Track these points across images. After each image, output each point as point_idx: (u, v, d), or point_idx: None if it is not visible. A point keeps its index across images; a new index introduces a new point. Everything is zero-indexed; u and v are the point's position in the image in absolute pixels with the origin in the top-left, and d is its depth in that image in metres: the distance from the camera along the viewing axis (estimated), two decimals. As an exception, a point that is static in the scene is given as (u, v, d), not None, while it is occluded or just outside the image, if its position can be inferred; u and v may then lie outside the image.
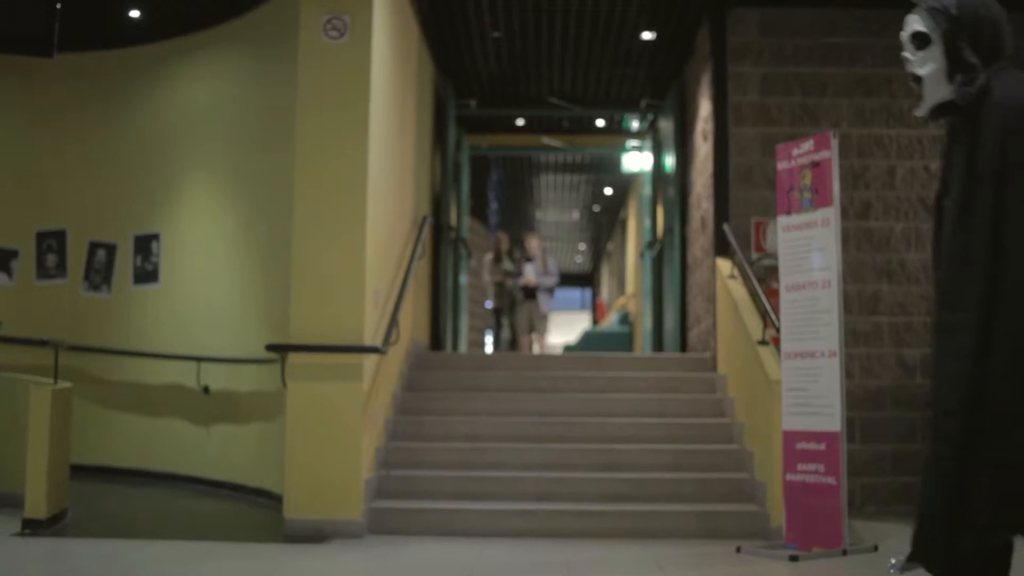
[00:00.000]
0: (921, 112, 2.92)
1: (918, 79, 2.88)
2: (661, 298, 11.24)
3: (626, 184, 16.80)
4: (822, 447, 5.77)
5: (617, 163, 14.37)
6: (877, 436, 7.84)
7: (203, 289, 8.93)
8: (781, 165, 6.25)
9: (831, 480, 5.70)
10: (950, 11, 2.82)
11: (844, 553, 5.64)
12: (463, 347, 11.74)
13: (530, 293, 13.23)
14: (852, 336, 7.80)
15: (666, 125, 11.09)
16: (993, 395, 2.64)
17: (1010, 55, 2.87)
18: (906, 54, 2.90)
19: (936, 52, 2.84)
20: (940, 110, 2.92)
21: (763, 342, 6.93)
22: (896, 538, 6.45)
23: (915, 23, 2.88)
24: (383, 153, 7.15)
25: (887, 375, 7.93)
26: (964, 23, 2.81)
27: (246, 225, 8.54)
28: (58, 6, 5.78)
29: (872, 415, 7.85)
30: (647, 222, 12.63)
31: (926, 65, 2.86)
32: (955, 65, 2.82)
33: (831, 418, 5.77)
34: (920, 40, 2.86)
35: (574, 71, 10.64)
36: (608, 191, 17.76)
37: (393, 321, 7.06)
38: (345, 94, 6.65)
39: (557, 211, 20.07)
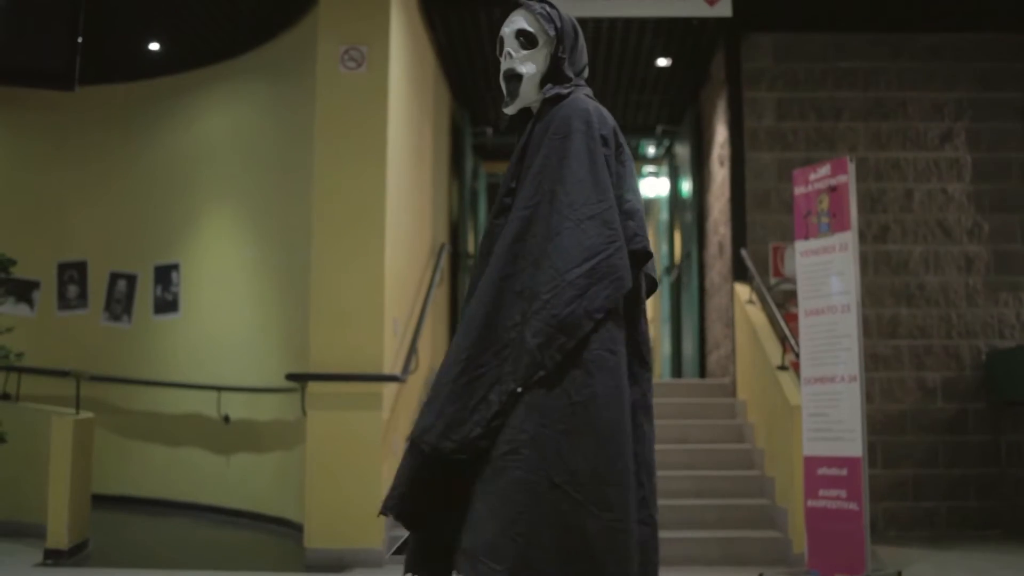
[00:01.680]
0: (510, 110, 2.88)
1: (517, 76, 2.83)
2: (679, 324, 11.21)
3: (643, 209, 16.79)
4: (843, 472, 5.74)
5: (634, 189, 14.36)
6: (898, 460, 7.80)
7: (223, 319, 8.98)
8: (798, 190, 6.26)
9: (853, 506, 5.67)
10: (555, 22, 2.83)
11: (867, 579, 5.60)
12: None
13: None
14: (872, 360, 7.77)
15: (682, 151, 11.11)
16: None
17: (584, 76, 2.90)
18: (509, 50, 2.85)
19: (540, 56, 2.83)
20: (519, 117, 2.91)
21: (782, 367, 6.91)
22: (920, 563, 6.41)
23: (522, 22, 2.85)
24: (401, 182, 7.19)
25: (907, 399, 7.89)
26: (565, 37, 2.84)
27: (265, 255, 8.59)
28: (79, 40, 5.84)
29: (893, 439, 7.81)
30: (664, 247, 12.63)
31: (527, 65, 2.83)
32: (553, 73, 2.82)
33: (852, 443, 5.74)
34: (527, 40, 2.84)
35: (590, 98, 10.67)
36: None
37: (412, 349, 7.07)
38: (363, 124, 6.70)
39: (574, 237, 20.03)
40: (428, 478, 2.58)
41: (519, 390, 2.46)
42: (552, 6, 2.88)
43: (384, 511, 2.61)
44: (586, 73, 2.91)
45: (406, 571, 2.70)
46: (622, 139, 2.75)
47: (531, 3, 2.87)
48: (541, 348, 2.44)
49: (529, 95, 2.83)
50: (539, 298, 2.49)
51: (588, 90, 2.85)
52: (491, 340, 2.54)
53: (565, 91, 2.79)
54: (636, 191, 2.72)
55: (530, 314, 2.49)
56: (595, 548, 2.40)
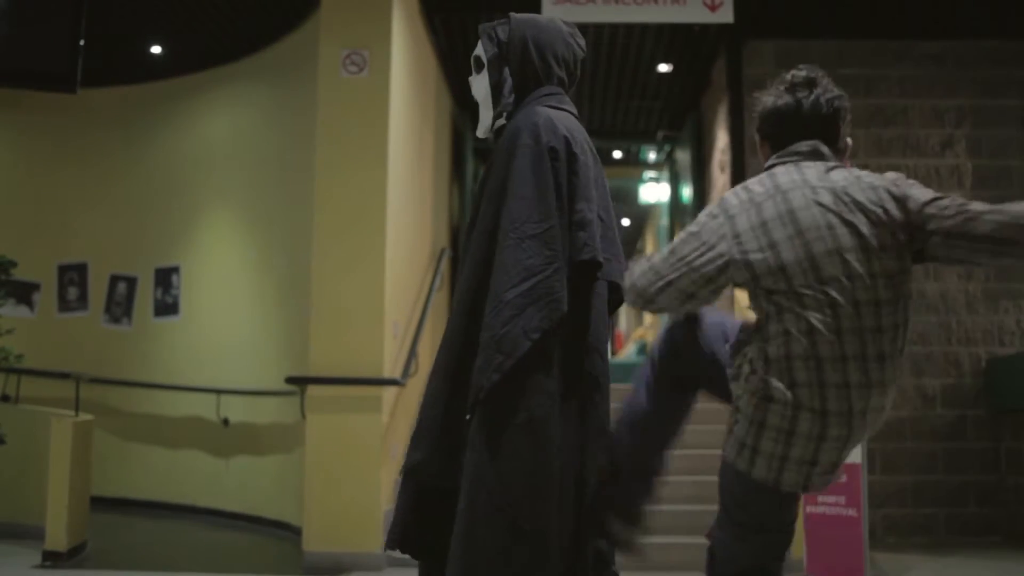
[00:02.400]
0: (480, 133, 2.87)
1: (476, 102, 2.84)
2: (679, 329, 11.19)
3: (643, 215, 16.82)
4: (843, 479, 5.74)
5: (634, 194, 14.40)
6: (897, 467, 7.79)
7: (223, 321, 8.98)
8: (798, 196, 6.26)
9: (852, 512, 5.67)
10: (500, 36, 2.79)
11: (866, 586, 5.60)
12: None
13: None
14: (871, 367, 7.75)
15: (683, 156, 11.11)
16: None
17: (566, 81, 2.82)
18: (470, 78, 2.87)
19: (483, 78, 2.81)
20: (499, 134, 2.86)
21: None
22: (918, 570, 6.40)
23: (476, 48, 2.84)
24: (402, 186, 7.19)
25: (907, 406, 7.89)
26: (512, 48, 2.76)
27: (266, 258, 8.59)
28: (81, 43, 5.85)
29: (892, 446, 7.81)
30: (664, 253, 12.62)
31: (478, 88, 2.82)
32: (496, 90, 2.79)
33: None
34: (477, 64, 2.83)
35: (591, 103, 10.69)
36: (625, 222, 17.79)
37: (412, 353, 7.08)
38: (364, 128, 6.71)
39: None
40: (427, 507, 2.60)
41: (468, 417, 2.48)
42: (507, 21, 2.83)
43: (389, 545, 2.63)
44: (553, 76, 2.80)
45: None
46: (577, 147, 2.66)
47: (486, 25, 2.85)
48: (480, 370, 2.44)
49: (487, 116, 2.82)
50: (483, 320, 2.49)
51: (554, 99, 2.77)
52: (465, 368, 2.54)
53: (508, 108, 2.76)
54: (592, 199, 2.65)
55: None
56: (526, 564, 2.41)
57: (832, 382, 2.40)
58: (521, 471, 2.43)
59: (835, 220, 2.43)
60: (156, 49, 9.22)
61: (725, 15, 7.67)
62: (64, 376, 7.26)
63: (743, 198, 2.56)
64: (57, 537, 6.26)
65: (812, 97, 2.64)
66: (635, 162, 13.34)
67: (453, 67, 9.46)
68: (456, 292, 2.66)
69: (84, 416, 6.74)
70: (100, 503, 7.77)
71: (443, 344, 2.64)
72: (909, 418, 7.88)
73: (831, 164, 2.59)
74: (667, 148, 12.22)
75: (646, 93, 10.44)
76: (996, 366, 7.82)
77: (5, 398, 7.55)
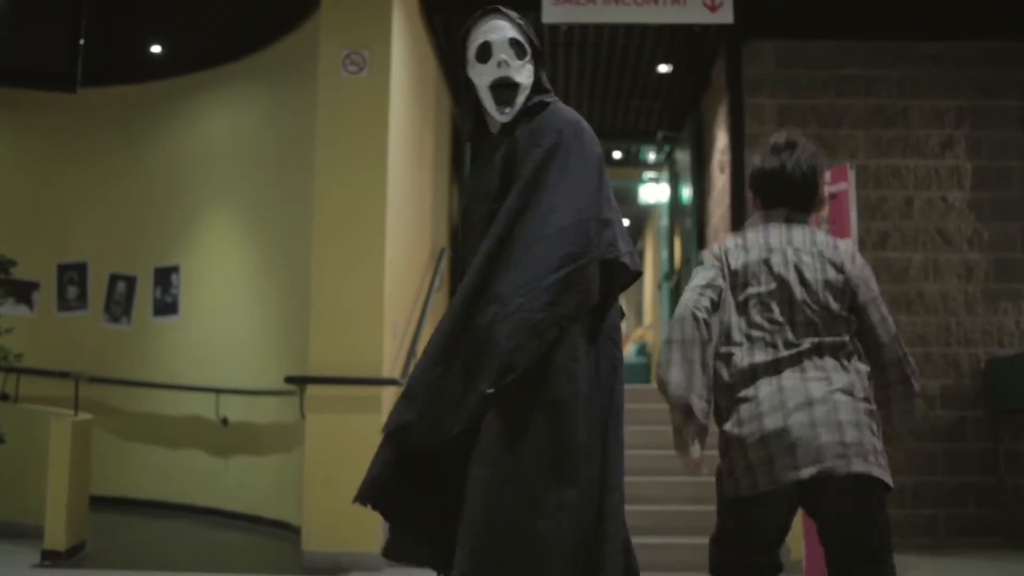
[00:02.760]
0: (506, 119, 2.84)
1: (514, 85, 2.81)
2: (679, 329, 11.18)
3: (643, 215, 16.81)
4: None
5: (634, 194, 14.39)
6: (897, 468, 7.75)
7: (222, 321, 8.98)
8: (798, 196, 6.25)
9: (851, 512, 5.65)
10: (534, 34, 2.87)
11: (865, 586, 5.58)
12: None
13: None
14: (871, 367, 7.76)
15: (683, 157, 11.11)
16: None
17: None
18: (504, 58, 2.81)
19: (529, 67, 2.84)
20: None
21: (781, 373, 6.90)
22: (918, 570, 6.40)
23: (511, 31, 2.83)
24: (401, 186, 7.19)
25: (907, 406, 7.88)
26: (542, 47, 2.93)
27: (266, 257, 8.59)
28: (81, 42, 5.85)
29: (892, 447, 7.80)
30: (664, 253, 12.64)
31: (522, 74, 2.82)
32: (538, 84, 2.86)
33: (851, 450, 5.73)
34: (520, 50, 2.83)
35: (590, 103, 10.68)
36: (625, 222, 17.74)
37: (411, 353, 7.08)
38: (364, 128, 6.71)
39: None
40: (405, 468, 2.63)
41: (490, 391, 2.49)
42: (522, 17, 2.89)
43: (360, 499, 2.64)
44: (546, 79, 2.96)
45: (385, 556, 2.75)
46: (599, 147, 2.82)
47: (510, 12, 2.88)
48: (513, 351, 2.48)
49: (519, 104, 2.83)
50: (514, 301, 2.52)
51: (555, 96, 2.91)
52: (468, 340, 2.58)
53: (549, 99, 2.84)
54: (612, 199, 2.77)
55: (503, 316, 2.52)
56: (544, 547, 2.44)
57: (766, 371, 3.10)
58: (543, 451, 2.48)
59: (775, 276, 3.05)
60: (156, 49, 9.22)
61: (725, 15, 7.67)
62: (63, 375, 7.26)
63: (722, 252, 3.17)
64: (56, 536, 6.26)
65: (793, 158, 3.15)
66: (635, 162, 13.33)
67: (453, 67, 9.46)
68: (472, 268, 2.65)
69: (83, 415, 6.75)
70: (99, 502, 7.77)
71: (451, 311, 2.65)
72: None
73: (795, 227, 3.14)
74: (667, 148, 12.22)
75: (646, 93, 10.44)
76: (995, 367, 7.83)
77: (4, 397, 7.55)
